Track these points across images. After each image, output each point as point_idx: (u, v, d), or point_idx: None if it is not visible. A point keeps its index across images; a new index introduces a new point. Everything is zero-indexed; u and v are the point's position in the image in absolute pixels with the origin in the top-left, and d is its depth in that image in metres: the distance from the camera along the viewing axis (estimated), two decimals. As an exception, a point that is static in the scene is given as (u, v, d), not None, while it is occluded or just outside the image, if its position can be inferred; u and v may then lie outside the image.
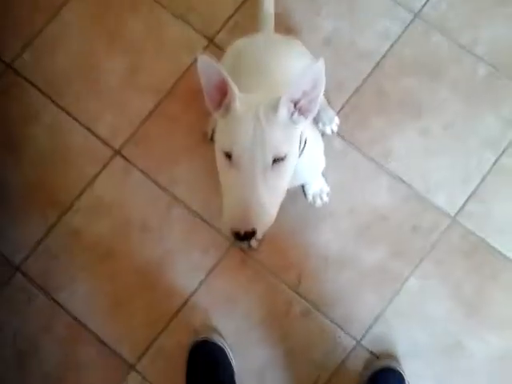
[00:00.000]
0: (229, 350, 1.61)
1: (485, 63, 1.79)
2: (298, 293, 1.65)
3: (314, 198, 1.70)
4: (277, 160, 1.02)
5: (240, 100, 1.04)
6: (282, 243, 1.69)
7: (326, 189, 1.70)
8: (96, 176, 1.78)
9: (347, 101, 1.79)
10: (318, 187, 1.69)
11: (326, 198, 1.70)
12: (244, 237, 1.00)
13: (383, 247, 1.68)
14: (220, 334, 1.63)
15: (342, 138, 1.76)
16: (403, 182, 1.72)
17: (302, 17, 1.86)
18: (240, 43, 1.52)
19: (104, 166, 1.79)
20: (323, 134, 1.74)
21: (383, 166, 1.74)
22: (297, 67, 1.40)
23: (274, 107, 1.02)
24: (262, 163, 1.00)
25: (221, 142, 1.06)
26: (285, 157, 1.03)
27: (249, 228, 0.99)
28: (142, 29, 1.89)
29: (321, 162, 1.48)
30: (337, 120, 1.76)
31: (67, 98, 1.86)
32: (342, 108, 1.78)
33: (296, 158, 1.09)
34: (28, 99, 1.86)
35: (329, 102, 1.77)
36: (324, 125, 1.75)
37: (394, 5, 1.85)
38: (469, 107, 1.76)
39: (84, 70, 1.88)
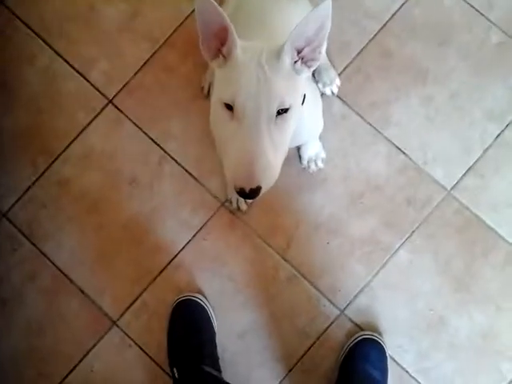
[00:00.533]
0: (211, 310, 1.50)
1: (498, 29, 1.58)
2: (285, 258, 1.53)
3: (308, 162, 1.54)
4: (280, 112, 0.91)
5: (241, 48, 0.92)
6: (272, 207, 1.54)
7: (322, 155, 1.54)
8: (88, 125, 1.62)
9: (350, 62, 1.60)
10: (314, 151, 1.53)
11: (320, 164, 1.54)
12: (249, 194, 0.89)
13: (375, 217, 1.54)
14: (203, 295, 1.52)
15: (343, 100, 1.59)
16: (401, 151, 1.56)
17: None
18: None
19: (96, 115, 1.62)
20: (323, 95, 1.57)
21: (382, 133, 1.57)
22: (295, 20, 1.24)
23: (277, 54, 0.91)
24: (266, 114, 0.89)
25: (221, 93, 0.93)
26: (289, 108, 0.92)
27: (255, 185, 0.89)
28: (143, -29, 1.69)
29: (319, 122, 1.33)
30: (338, 81, 1.58)
31: (62, 41, 1.66)
32: (344, 69, 1.59)
33: (299, 111, 0.97)
34: (22, 40, 1.67)
35: (331, 63, 1.59)
36: (324, 85, 1.57)
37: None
38: (476, 76, 1.58)
39: (81, 13, 1.67)
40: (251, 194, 0.89)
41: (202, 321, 1.46)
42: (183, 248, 1.55)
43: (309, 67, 0.96)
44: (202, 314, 1.47)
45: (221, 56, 0.95)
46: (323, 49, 0.95)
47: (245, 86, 0.89)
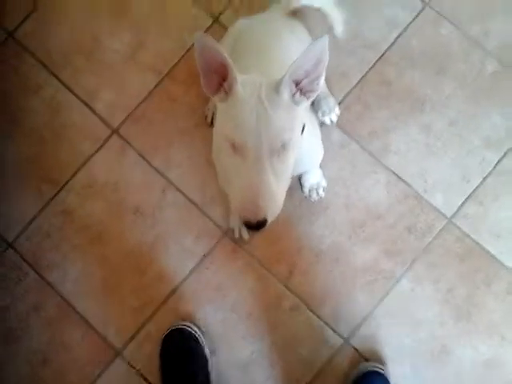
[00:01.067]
0: (202, 337, 1.40)
1: (494, 59, 1.50)
2: (287, 287, 1.43)
3: (310, 191, 1.46)
4: (283, 146, 0.87)
5: (241, 83, 0.87)
6: (274, 235, 1.45)
7: (323, 183, 1.46)
8: (92, 155, 1.53)
9: (350, 91, 1.51)
10: (315, 180, 1.44)
11: (322, 193, 1.46)
12: (256, 226, 0.86)
13: (377, 246, 1.44)
14: (196, 324, 1.42)
15: (342, 129, 1.50)
16: (401, 179, 1.47)
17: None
18: (241, 23, 1.29)
19: (101, 145, 1.53)
20: (322, 124, 1.49)
21: (382, 161, 1.48)
22: (294, 51, 1.17)
23: (276, 88, 0.87)
24: (268, 148, 0.85)
25: (223, 128, 0.89)
26: (289, 140, 0.87)
27: (261, 217, 0.86)
28: (147, 5, 1.60)
29: (319, 151, 1.25)
30: (337, 110, 1.49)
31: (67, 72, 1.58)
32: (343, 98, 1.51)
33: (299, 141, 0.92)
34: (28, 71, 1.59)
35: (330, 91, 1.51)
36: (323, 114, 1.48)
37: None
38: (474, 104, 1.49)
39: (86, 44, 1.60)
40: (258, 225, 0.86)
41: (193, 350, 1.36)
42: (186, 277, 1.45)
43: (307, 98, 0.90)
44: (192, 343, 1.37)
45: (222, 90, 0.89)
46: (321, 80, 0.90)
47: (246, 123, 0.85)
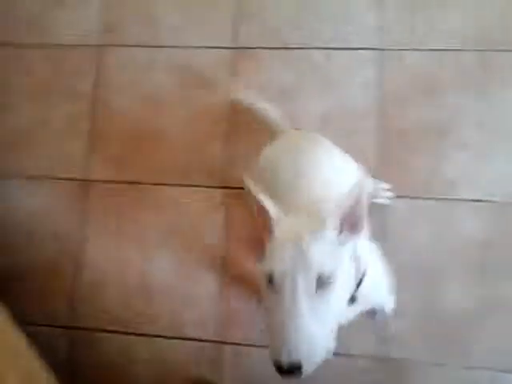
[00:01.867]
0: None
1: (467, 51, 1.53)
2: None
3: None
4: (323, 284, 0.80)
5: (281, 223, 0.88)
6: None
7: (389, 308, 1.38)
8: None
9: (379, 161, 1.49)
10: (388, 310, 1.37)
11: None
12: (287, 370, 0.75)
13: (512, 271, 1.38)
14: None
15: (401, 196, 1.47)
16: (480, 200, 1.43)
17: (291, 109, 1.55)
18: (268, 154, 1.25)
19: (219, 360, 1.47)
20: (385, 205, 1.45)
21: (451, 197, 1.45)
22: (326, 162, 1.17)
23: (321, 227, 0.85)
24: (304, 287, 0.80)
25: (263, 265, 0.86)
26: (332, 279, 0.81)
27: (291, 360, 0.75)
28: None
29: (384, 276, 1.15)
30: (386, 185, 1.46)
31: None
32: (379, 171, 1.49)
33: (347, 282, 0.86)
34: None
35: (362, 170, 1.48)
36: (377, 196, 1.45)
37: (356, 51, 1.58)
38: (480, 98, 1.50)
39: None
40: (290, 370, 0.75)
41: None
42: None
43: (354, 235, 0.87)
44: None
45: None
46: (364, 220, 0.87)
47: (281, 260, 0.83)
